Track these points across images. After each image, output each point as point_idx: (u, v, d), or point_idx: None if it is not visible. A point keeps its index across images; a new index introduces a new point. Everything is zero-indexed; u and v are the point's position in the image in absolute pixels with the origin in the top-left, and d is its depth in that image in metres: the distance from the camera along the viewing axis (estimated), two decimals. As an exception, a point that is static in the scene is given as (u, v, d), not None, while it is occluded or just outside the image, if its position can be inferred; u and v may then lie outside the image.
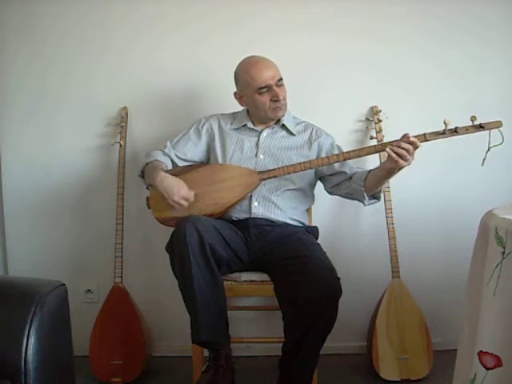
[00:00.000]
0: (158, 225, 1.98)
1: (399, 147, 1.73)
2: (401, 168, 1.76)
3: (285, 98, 1.99)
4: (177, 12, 2.35)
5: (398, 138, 1.79)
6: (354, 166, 2.03)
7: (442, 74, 2.36)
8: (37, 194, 2.41)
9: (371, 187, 1.91)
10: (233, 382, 1.76)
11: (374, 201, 1.99)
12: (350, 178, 1.99)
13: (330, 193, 2.10)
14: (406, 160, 1.73)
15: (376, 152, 1.89)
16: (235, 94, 2.06)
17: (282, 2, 2.33)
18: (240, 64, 2.01)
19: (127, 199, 2.32)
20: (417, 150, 1.75)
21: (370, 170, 1.92)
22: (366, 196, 1.93)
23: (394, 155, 1.73)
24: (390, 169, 1.79)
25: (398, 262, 2.22)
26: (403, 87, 2.36)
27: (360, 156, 1.90)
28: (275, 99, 1.95)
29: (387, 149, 1.75)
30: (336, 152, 2.02)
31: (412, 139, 1.74)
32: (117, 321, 2.18)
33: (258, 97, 1.96)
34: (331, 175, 2.04)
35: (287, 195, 2.01)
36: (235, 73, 2.03)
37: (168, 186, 1.89)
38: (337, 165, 2.00)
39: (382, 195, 2.00)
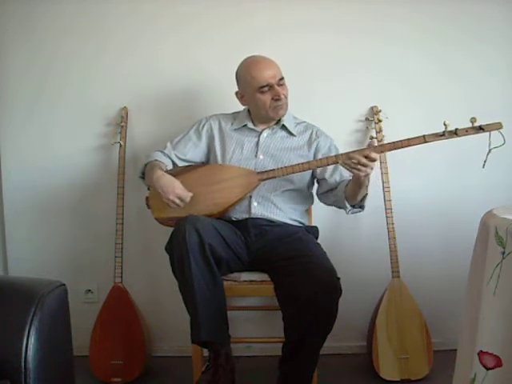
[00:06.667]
0: (158, 225, 1.98)
1: (349, 159, 1.75)
2: (365, 176, 1.76)
3: (286, 97, 1.99)
4: (176, 12, 2.34)
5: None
6: (345, 174, 1.99)
7: (442, 74, 2.36)
8: (37, 194, 2.41)
9: (349, 196, 1.90)
10: (233, 382, 1.76)
11: (357, 210, 1.96)
12: (336, 187, 1.99)
13: (319, 199, 2.10)
14: (359, 170, 1.74)
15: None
16: (236, 93, 2.06)
17: (282, 2, 2.33)
18: (241, 64, 2.01)
19: (127, 199, 2.31)
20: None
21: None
22: (347, 205, 1.92)
23: (347, 168, 1.77)
24: (355, 178, 1.81)
25: (397, 262, 2.22)
26: (403, 87, 2.36)
27: None
28: (276, 98, 1.95)
29: (339, 163, 1.80)
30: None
31: (365, 152, 1.73)
32: (117, 321, 2.18)
33: (259, 96, 1.96)
34: (322, 180, 2.04)
35: (287, 195, 2.01)
36: (236, 73, 2.03)
37: (164, 184, 1.89)
38: (329, 172, 2.00)
39: (365, 204, 1.95)
